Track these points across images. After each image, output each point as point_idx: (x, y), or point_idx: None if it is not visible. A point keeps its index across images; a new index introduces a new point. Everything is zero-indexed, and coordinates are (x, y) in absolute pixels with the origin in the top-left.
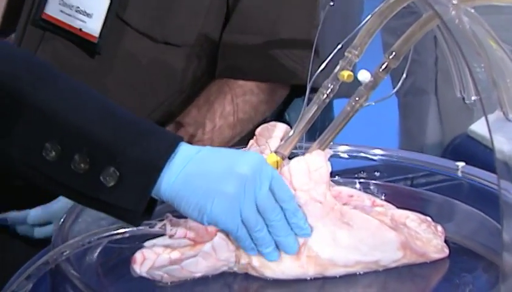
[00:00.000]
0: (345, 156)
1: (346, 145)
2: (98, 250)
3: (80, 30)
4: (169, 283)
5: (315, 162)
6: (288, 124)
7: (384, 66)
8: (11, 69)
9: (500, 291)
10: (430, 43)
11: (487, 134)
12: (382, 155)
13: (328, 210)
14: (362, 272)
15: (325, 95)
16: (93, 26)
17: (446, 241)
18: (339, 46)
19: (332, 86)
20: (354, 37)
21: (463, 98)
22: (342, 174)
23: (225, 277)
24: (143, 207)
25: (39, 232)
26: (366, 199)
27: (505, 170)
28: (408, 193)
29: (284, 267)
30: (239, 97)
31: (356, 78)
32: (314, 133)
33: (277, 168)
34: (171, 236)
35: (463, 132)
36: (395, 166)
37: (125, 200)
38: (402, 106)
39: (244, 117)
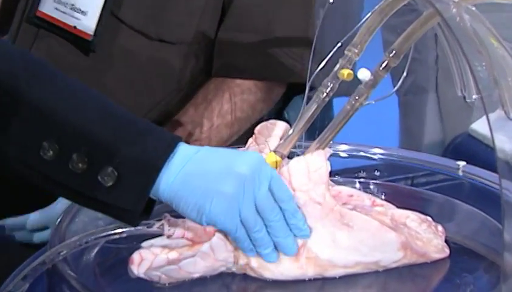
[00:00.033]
0: (345, 155)
1: (346, 144)
2: (95, 251)
3: (75, 27)
4: (167, 284)
5: (315, 163)
6: (287, 123)
7: (384, 65)
8: (8, 67)
9: (501, 291)
10: (431, 41)
11: (488, 133)
12: (382, 154)
13: (328, 211)
14: (362, 273)
15: (325, 94)
16: (87, 24)
17: (446, 241)
18: (339, 44)
19: (332, 85)
20: (354, 35)
21: (464, 97)
22: (341, 173)
23: (223, 278)
24: (141, 207)
25: (38, 237)
26: (366, 198)
27: (506, 170)
28: (409, 193)
29: (283, 269)
30: (237, 95)
31: (355, 76)
32: (313, 132)
33: (276, 167)
34: (169, 237)
35: (464, 131)
36: (395, 166)
37: (123, 200)
38: (403, 104)
39: (242, 116)
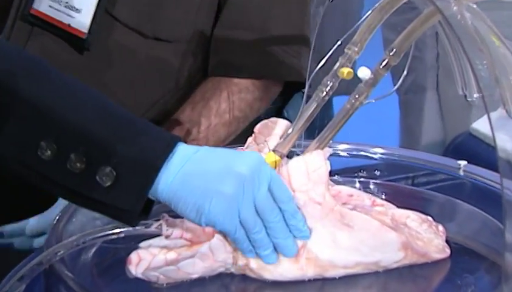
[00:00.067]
0: (345, 154)
1: (346, 143)
2: (93, 251)
3: (69, 25)
4: (165, 285)
5: (314, 162)
6: None
7: (384, 63)
8: (5, 65)
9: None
10: (432, 39)
11: (489, 132)
12: (382, 153)
13: (328, 211)
14: (362, 273)
15: (324, 93)
16: (82, 21)
17: (447, 241)
18: (339, 42)
19: (331, 83)
20: (354, 33)
21: (465, 96)
22: (341, 173)
23: (222, 278)
24: (140, 207)
25: (38, 243)
26: (366, 198)
27: (507, 169)
28: (409, 193)
29: (283, 270)
30: (235, 94)
31: (355, 75)
32: (313, 131)
33: (275, 167)
34: (167, 237)
35: (465, 130)
36: (396, 165)
37: (122, 200)
38: (403, 103)
39: (240, 115)
